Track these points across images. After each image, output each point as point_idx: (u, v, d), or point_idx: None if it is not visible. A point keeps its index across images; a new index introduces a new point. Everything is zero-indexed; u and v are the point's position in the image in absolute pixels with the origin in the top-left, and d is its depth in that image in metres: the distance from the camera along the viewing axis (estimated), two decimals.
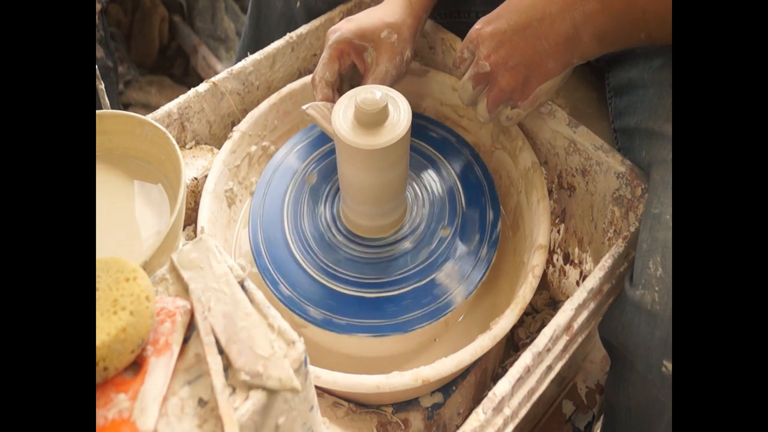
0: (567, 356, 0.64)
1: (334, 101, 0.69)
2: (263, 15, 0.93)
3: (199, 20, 1.65)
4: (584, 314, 0.63)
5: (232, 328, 0.38)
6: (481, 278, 0.67)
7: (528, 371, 0.58)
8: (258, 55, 0.80)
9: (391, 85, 0.72)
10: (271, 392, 0.36)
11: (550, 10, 0.61)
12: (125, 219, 0.60)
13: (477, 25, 0.65)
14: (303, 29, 0.84)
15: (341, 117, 0.62)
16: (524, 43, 0.62)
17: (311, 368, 0.52)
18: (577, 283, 0.84)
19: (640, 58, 0.72)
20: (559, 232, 0.82)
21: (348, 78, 0.75)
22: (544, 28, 0.61)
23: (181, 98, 0.75)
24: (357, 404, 0.68)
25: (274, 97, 0.79)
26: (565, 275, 0.86)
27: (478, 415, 0.54)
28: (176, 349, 0.37)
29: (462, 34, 0.82)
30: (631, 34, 0.61)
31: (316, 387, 0.61)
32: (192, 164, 0.75)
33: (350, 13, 0.88)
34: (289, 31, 0.83)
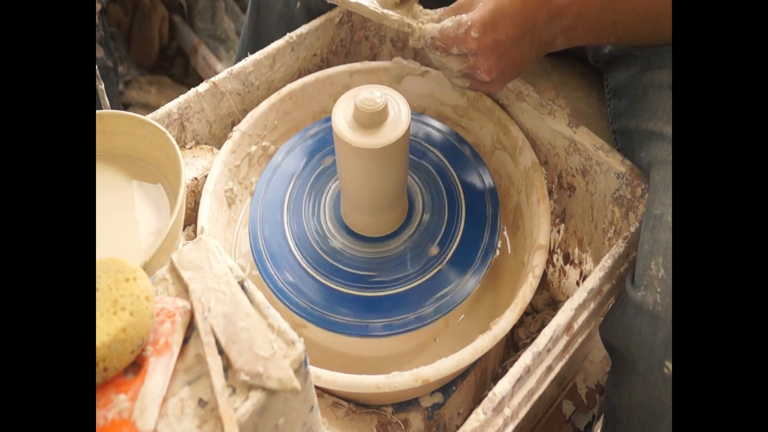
0: (567, 356, 0.64)
1: None
2: (263, 15, 0.93)
3: (199, 20, 1.65)
4: (584, 314, 0.63)
5: (232, 329, 0.38)
6: (480, 278, 0.67)
7: (528, 371, 0.58)
8: (258, 55, 0.80)
9: None
10: (271, 393, 0.36)
11: (539, 20, 0.62)
12: (125, 219, 0.60)
13: (474, 33, 0.62)
14: (303, 29, 0.83)
15: (341, 116, 0.62)
16: (518, 53, 0.64)
17: (311, 368, 0.52)
18: (577, 283, 0.84)
19: (638, 60, 0.72)
20: (559, 232, 0.82)
21: None
22: (534, 37, 0.63)
23: (181, 98, 0.75)
24: (357, 404, 0.68)
25: (274, 97, 0.79)
26: (565, 275, 0.86)
27: (478, 415, 0.54)
28: (176, 349, 0.37)
29: None
30: (599, 39, 0.66)
31: (316, 387, 0.61)
32: (192, 164, 0.75)
33: (350, 13, 0.88)
34: (289, 31, 0.83)
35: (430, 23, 0.67)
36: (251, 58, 0.80)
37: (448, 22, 0.64)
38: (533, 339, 0.59)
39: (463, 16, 0.63)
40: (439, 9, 0.69)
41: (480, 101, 0.79)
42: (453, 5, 0.68)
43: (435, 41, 0.66)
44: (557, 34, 0.64)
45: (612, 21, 0.62)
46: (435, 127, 0.77)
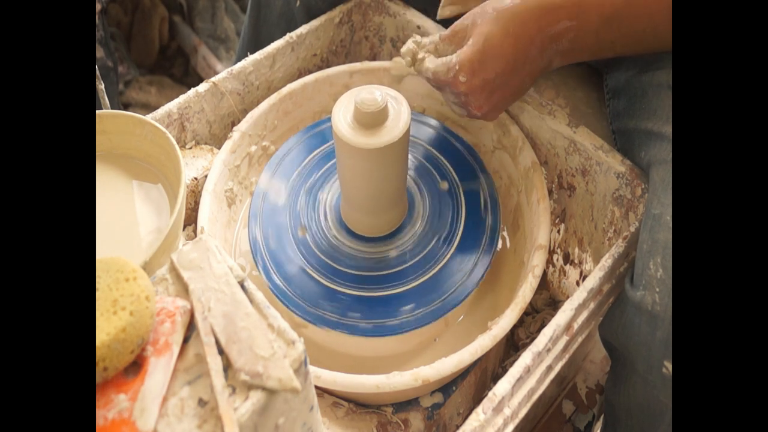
0: (567, 356, 0.64)
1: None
2: (263, 15, 0.93)
3: (199, 20, 1.65)
4: (584, 314, 0.63)
5: (232, 329, 0.38)
6: (480, 278, 0.67)
7: (528, 371, 0.58)
8: (258, 55, 0.80)
9: None
10: (271, 392, 0.36)
11: (531, 52, 0.62)
12: (125, 219, 0.60)
13: (462, 77, 0.63)
14: (303, 29, 0.84)
15: (341, 116, 0.62)
16: (511, 86, 0.65)
17: (311, 368, 0.52)
18: (577, 283, 0.84)
19: (637, 60, 0.72)
20: (559, 232, 0.82)
21: None
22: (527, 68, 0.63)
23: (181, 98, 0.75)
24: (357, 404, 0.68)
25: (274, 97, 0.79)
26: (565, 275, 0.86)
27: (478, 415, 0.54)
28: (176, 349, 0.37)
29: None
30: (597, 57, 0.65)
31: (316, 387, 0.61)
32: (192, 164, 0.75)
33: (350, 12, 0.88)
34: (289, 31, 0.83)
35: (429, 58, 0.67)
36: (251, 58, 0.80)
37: (439, 64, 0.65)
38: (533, 339, 0.59)
39: (452, 58, 0.64)
40: (434, 36, 0.69)
41: None
42: (449, 31, 0.67)
43: (430, 81, 0.67)
44: (553, 58, 0.63)
45: (610, 41, 0.62)
46: (435, 127, 0.77)
